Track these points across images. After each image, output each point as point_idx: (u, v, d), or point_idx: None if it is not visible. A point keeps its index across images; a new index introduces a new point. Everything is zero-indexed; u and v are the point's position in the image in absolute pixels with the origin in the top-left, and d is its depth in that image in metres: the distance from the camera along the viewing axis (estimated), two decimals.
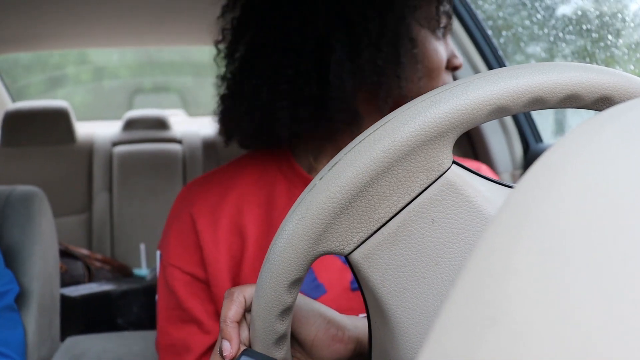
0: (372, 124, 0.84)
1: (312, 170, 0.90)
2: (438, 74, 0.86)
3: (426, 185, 0.48)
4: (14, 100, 3.27)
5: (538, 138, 1.72)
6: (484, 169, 0.95)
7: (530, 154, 1.69)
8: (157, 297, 0.91)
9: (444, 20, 0.87)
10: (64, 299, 2.00)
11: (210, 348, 0.85)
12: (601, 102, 0.48)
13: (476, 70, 1.68)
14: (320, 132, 0.86)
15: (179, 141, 3.08)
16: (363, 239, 0.49)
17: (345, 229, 0.48)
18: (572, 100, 0.47)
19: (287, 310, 0.51)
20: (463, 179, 0.49)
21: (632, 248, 0.19)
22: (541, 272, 0.20)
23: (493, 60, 1.70)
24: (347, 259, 0.50)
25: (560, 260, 0.20)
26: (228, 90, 0.90)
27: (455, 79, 0.87)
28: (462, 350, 0.19)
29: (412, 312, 0.49)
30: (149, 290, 2.18)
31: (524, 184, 0.25)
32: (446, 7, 0.88)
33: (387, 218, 0.48)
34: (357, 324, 0.64)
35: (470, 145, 1.75)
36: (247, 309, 0.61)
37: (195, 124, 3.35)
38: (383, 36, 0.82)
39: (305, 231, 0.47)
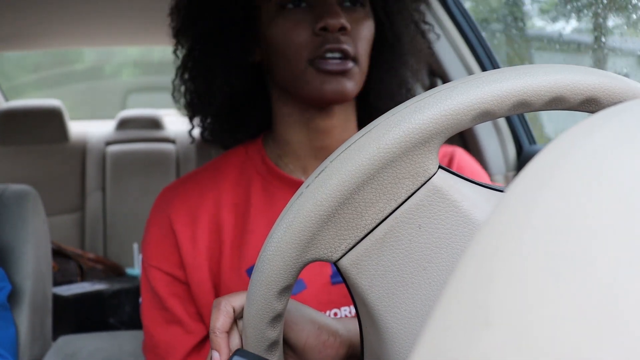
0: (296, 110, 0.89)
1: (281, 164, 0.92)
2: (288, 50, 0.83)
3: (412, 191, 0.48)
4: (7, 99, 3.26)
5: (531, 140, 1.73)
6: (459, 152, 0.95)
7: (524, 156, 1.69)
8: (140, 299, 0.91)
9: None
10: (56, 298, 2.00)
11: (194, 348, 0.85)
12: (587, 104, 0.48)
13: (469, 71, 1.69)
14: (254, 129, 0.94)
15: (172, 141, 3.07)
16: (351, 245, 0.49)
17: (332, 236, 0.48)
18: (558, 103, 0.47)
19: (278, 317, 0.52)
20: (449, 184, 0.49)
21: (625, 250, 0.19)
22: (535, 275, 0.20)
23: (487, 61, 1.71)
24: (335, 265, 0.50)
25: (554, 263, 0.20)
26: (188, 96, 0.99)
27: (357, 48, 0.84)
28: (454, 353, 0.19)
29: (401, 317, 0.49)
30: None
31: (517, 186, 0.24)
32: None
33: (374, 224, 0.48)
34: (349, 327, 0.64)
35: (463, 146, 1.76)
36: (237, 317, 0.62)
37: (188, 124, 3.34)
38: (237, 32, 0.88)
39: (293, 239, 0.47)
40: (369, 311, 0.50)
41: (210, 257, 0.86)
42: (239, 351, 0.55)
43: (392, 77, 0.95)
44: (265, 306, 0.50)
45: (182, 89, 0.98)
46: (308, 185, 0.48)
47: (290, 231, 0.47)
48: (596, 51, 1.60)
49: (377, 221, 0.48)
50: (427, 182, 0.48)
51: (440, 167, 0.49)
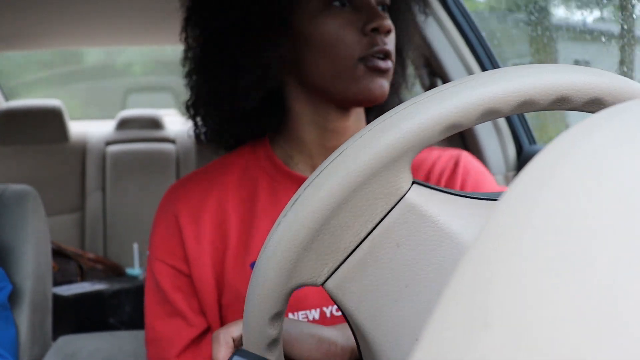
0: (311, 111, 0.90)
1: (288, 160, 0.93)
2: (337, 48, 0.84)
3: (387, 210, 0.48)
4: (7, 99, 3.26)
5: (531, 140, 1.73)
6: (464, 156, 0.95)
7: (524, 156, 1.69)
8: (145, 292, 0.93)
9: None
10: (56, 298, 2.00)
11: (194, 341, 0.87)
12: (558, 103, 0.47)
13: (469, 71, 1.68)
14: (260, 129, 0.92)
15: (172, 141, 3.07)
16: (333, 269, 0.49)
17: (314, 261, 0.49)
18: (527, 106, 0.47)
19: (274, 342, 0.53)
20: (424, 199, 0.49)
21: (625, 251, 0.19)
22: (534, 276, 0.20)
23: (486, 61, 1.71)
24: (323, 287, 0.51)
25: (554, 263, 0.19)
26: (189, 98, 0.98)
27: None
28: (454, 354, 0.19)
29: (389, 334, 0.49)
30: (141, 289, 2.17)
31: (516, 186, 0.24)
32: None
33: (353, 247, 0.49)
34: (348, 334, 0.66)
35: (463, 146, 1.76)
36: (238, 346, 0.64)
37: (189, 124, 3.34)
38: (268, 27, 0.86)
39: (275, 268, 0.48)
40: (359, 330, 0.51)
41: (214, 254, 0.88)
42: (239, 351, 0.55)
43: (398, 77, 0.97)
44: (260, 333, 0.51)
45: (189, 87, 0.96)
46: (285, 214, 0.48)
47: (272, 261, 0.48)
48: (622, 40, 1.58)
49: (356, 243, 0.49)
50: (401, 200, 0.48)
51: (414, 182, 0.49)
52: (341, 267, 0.49)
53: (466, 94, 0.45)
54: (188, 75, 0.95)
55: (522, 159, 1.70)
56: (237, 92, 0.88)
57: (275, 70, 0.88)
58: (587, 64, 1.60)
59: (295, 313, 0.84)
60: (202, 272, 0.87)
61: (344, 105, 0.89)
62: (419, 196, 0.48)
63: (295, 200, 0.48)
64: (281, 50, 0.86)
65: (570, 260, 0.19)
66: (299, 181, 0.90)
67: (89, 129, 3.15)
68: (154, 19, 2.22)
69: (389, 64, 0.85)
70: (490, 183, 0.93)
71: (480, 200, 0.51)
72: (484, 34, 1.71)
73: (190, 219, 0.89)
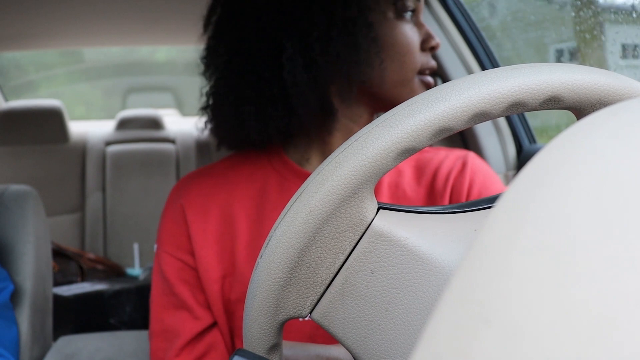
0: (346, 115, 0.90)
1: (304, 163, 0.93)
2: (407, 57, 0.88)
3: (355, 241, 0.49)
4: (6, 99, 3.26)
5: (531, 139, 1.73)
6: (471, 157, 0.96)
7: (524, 155, 1.69)
8: (152, 285, 0.94)
9: (410, 3, 0.89)
10: (57, 299, 2.00)
11: (200, 334, 0.88)
12: (512, 108, 0.47)
13: (469, 71, 1.69)
14: (294, 129, 0.88)
15: (172, 141, 3.08)
16: (315, 301, 0.51)
17: (295, 296, 0.51)
18: (518, 108, 0.47)
19: None
20: (391, 224, 0.49)
21: (627, 250, 0.19)
22: (536, 273, 0.20)
23: (486, 60, 1.71)
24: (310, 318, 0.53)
25: (556, 261, 0.20)
26: (206, 100, 0.95)
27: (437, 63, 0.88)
28: (455, 352, 0.20)
29: (377, 358, 0.50)
30: (141, 290, 2.18)
31: (517, 185, 0.25)
32: None
33: (330, 279, 0.50)
34: None
35: (464, 146, 1.76)
36: None
37: (188, 124, 3.35)
38: (333, 25, 0.83)
39: (261, 307, 0.51)
40: (350, 353, 0.52)
41: (221, 249, 0.89)
42: (240, 351, 0.56)
43: None
44: None
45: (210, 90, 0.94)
46: (261, 255, 0.50)
47: (257, 300, 0.50)
48: None
49: (332, 275, 0.50)
50: (368, 229, 0.49)
51: (380, 207, 0.50)
52: (322, 298, 0.51)
53: (419, 115, 0.45)
54: (206, 76, 0.94)
55: (522, 158, 1.70)
56: (290, 97, 0.85)
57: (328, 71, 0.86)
58: (636, 48, 1.58)
59: None
60: (208, 265, 0.88)
61: (384, 110, 0.90)
62: (385, 222, 0.49)
63: (269, 240, 0.50)
64: (342, 51, 0.84)
65: (571, 258, 0.19)
66: (307, 177, 0.90)
67: (89, 129, 3.15)
68: (155, 19, 2.22)
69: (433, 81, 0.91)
70: (497, 184, 0.94)
71: (451, 215, 0.52)
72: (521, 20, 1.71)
73: (197, 213, 0.90)
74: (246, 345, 0.53)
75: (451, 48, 1.69)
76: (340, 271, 0.50)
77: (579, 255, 0.19)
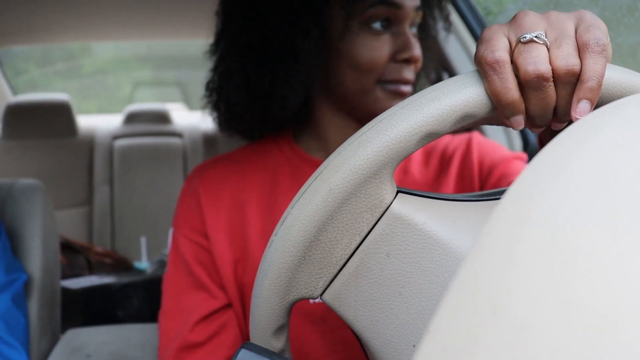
0: (327, 117, 0.92)
1: (312, 151, 0.96)
2: (369, 69, 0.86)
3: (373, 223, 0.49)
4: (15, 93, 3.27)
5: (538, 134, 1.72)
6: (475, 136, 0.97)
7: (530, 149, 1.69)
8: (168, 267, 0.96)
9: (380, 12, 0.85)
10: (65, 292, 2.00)
11: (215, 312, 0.90)
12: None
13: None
14: (282, 120, 0.92)
15: (179, 135, 3.08)
16: (328, 282, 0.51)
17: (308, 276, 0.50)
18: None
19: (281, 351, 0.54)
20: (409, 208, 0.49)
21: (633, 244, 0.19)
22: (542, 266, 0.20)
23: None
24: (321, 300, 0.52)
25: (563, 256, 0.20)
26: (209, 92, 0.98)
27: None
28: (462, 342, 0.20)
29: (387, 342, 0.50)
30: (149, 283, 2.18)
31: (523, 179, 0.25)
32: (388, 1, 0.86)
33: (345, 260, 0.50)
34: None
35: None
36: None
37: (196, 117, 3.35)
38: (295, 33, 0.86)
39: (272, 285, 0.50)
40: (360, 338, 0.52)
41: (232, 233, 0.91)
42: (246, 344, 0.56)
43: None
44: (265, 344, 0.53)
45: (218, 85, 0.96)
46: (276, 233, 0.50)
47: (269, 279, 0.50)
48: None
49: (347, 256, 0.50)
50: (386, 212, 0.49)
51: (399, 191, 0.50)
52: (335, 280, 0.51)
53: (441, 101, 0.46)
54: (215, 71, 0.96)
55: (529, 152, 1.70)
56: (274, 100, 0.89)
57: (312, 80, 0.89)
58: None
59: None
60: (220, 249, 0.90)
61: (361, 120, 0.91)
62: (404, 206, 0.49)
63: (285, 219, 0.49)
64: (318, 61, 0.88)
65: (577, 252, 0.19)
66: (317, 165, 0.93)
67: (97, 123, 3.16)
68: (162, 13, 2.22)
69: (409, 89, 0.88)
70: (503, 151, 0.95)
71: (470, 202, 0.52)
72: None
73: (210, 197, 0.93)
74: (253, 325, 0.53)
75: (457, 41, 1.69)
76: (356, 253, 0.50)
77: (583, 250, 0.19)
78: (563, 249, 0.20)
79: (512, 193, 0.24)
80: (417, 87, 1.00)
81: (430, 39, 0.99)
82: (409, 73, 0.87)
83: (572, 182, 0.22)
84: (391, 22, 0.87)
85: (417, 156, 0.97)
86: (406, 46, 0.86)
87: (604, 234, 0.20)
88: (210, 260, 0.91)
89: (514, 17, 0.50)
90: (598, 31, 0.47)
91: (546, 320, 0.18)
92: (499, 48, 0.48)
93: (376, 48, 0.85)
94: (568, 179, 0.23)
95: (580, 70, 0.46)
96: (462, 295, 0.21)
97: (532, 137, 1.71)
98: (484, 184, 0.92)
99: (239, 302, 0.91)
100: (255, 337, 0.53)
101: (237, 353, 0.56)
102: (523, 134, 1.72)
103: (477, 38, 1.70)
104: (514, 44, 0.48)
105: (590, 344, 0.17)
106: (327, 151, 0.95)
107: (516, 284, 0.20)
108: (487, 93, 0.47)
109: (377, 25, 0.86)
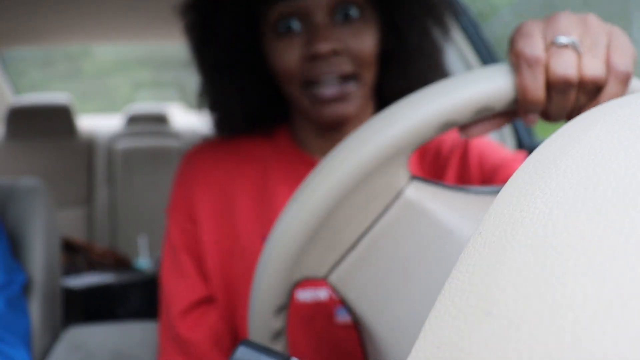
0: (301, 119, 0.90)
1: (302, 145, 0.93)
2: (285, 75, 0.81)
3: (385, 206, 0.49)
4: (16, 94, 3.28)
5: (531, 134, 1.73)
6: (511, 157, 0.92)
7: (525, 149, 1.70)
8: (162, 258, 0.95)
9: (284, 14, 0.79)
10: (65, 290, 2.02)
11: (196, 303, 0.89)
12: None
13: (468, 67, 1.69)
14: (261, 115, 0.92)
15: (178, 135, 3.09)
16: (335, 262, 0.51)
17: (317, 255, 0.50)
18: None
19: (278, 334, 0.54)
20: (423, 195, 0.49)
21: (623, 244, 0.19)
22: (535, 267, 0.20)
23: (487, 56, 1.71)
24: (326, 281, 0.52)
25: (554, 255, 0.20)
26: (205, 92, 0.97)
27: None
28: (455, 341, 0.20)
29: (391, 328, 0.49)
30: (149, 282, 2.19)
31: (516, 179, 0.25)
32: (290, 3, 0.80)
33: (354, 241, 0.50)
34: None
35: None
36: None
37: (195, 118, 3.36)
38: (236, 51, 0.87)
39: (279, 260, 0.49)
40: (362, 323, 0.52)
41: (220, 222, 0.89)
42: (245, 341, 0.57)
43: (405, 73, 0.89)
44: (264, 324, 0.53)
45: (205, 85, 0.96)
46: (288, 209, 0.49)
47: (276, 254, 0.49)
48: None
49: (357, 238, 0.50)
50: (400, 197, 0.49)
51: (414, 178, 0.49)
52: (343, 260, 0.50)
53: (465, 91, 0.46)
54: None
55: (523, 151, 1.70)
56: (241, 96, 0.89)
57: (258, 91, 0.89)
58: None
59: (303, 290, 0.85)
60: (205, 236, 0.89)
61: (321, 128, 0.87)
62: (418, 192, 0.49)
63: (297, 196, 0.49)
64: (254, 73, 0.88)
65: (571, 251, 0.20)
66: (310, 164, 0.91)
67: (97, 123, 3.17)
68: (162, 15, 2.23)
69: (345, 89, 0.79)
70: (503, 151, 0.92)
71: (479, 195, 0.51)
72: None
73: (199, 182, 0.92)
74: (253, 303, 0.52)
75: (452, 44, 1.70)
76: (366, 235, 0.50)
77: (575, 249, 0.20)
78: (555, 249, 0.20)
79: (505, 193, 0.24)
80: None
81: (411, 15, 0.87)
82: (325, 67, 0.78)
83: (563, 182, 0.22)
84: (303, 19, 0.79)
85: (412, 156, 0.93)
86: (311, 40, 0.77)
87: (595, 233, 0.19)
88: (197, 248, 0.90)
89: (552, 15, 0.51)
90: (629, 59, 0.48)
91: (538, 321, 0.18)
92: (539, 46, 0.48)
93: (283, 51, 0.79)
94: (560, 178, 0.23)
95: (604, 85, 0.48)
96: (456, 296, 0.22)
97: (526, 138, 1.72)
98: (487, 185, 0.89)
99: (224, 295, 0.89)
100: (255, 316, 0.52)
101: (236, 350, 0.56)
102: (517, 134, 1.73)
103: (473, 41, 1.71)
104: (547, 44, 0.48)
105: (582, 342, 0.17)
106: (320, 147, 0.91)
107: (509, 284, 0.20)
108: (515, 86, 0.47)
109: (281, 27, 0.79)
